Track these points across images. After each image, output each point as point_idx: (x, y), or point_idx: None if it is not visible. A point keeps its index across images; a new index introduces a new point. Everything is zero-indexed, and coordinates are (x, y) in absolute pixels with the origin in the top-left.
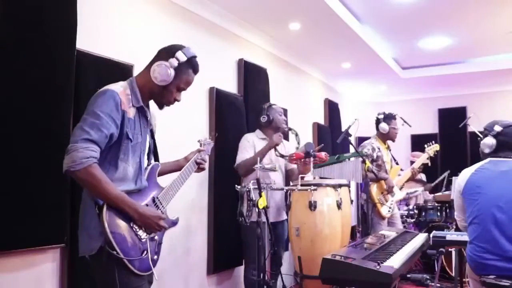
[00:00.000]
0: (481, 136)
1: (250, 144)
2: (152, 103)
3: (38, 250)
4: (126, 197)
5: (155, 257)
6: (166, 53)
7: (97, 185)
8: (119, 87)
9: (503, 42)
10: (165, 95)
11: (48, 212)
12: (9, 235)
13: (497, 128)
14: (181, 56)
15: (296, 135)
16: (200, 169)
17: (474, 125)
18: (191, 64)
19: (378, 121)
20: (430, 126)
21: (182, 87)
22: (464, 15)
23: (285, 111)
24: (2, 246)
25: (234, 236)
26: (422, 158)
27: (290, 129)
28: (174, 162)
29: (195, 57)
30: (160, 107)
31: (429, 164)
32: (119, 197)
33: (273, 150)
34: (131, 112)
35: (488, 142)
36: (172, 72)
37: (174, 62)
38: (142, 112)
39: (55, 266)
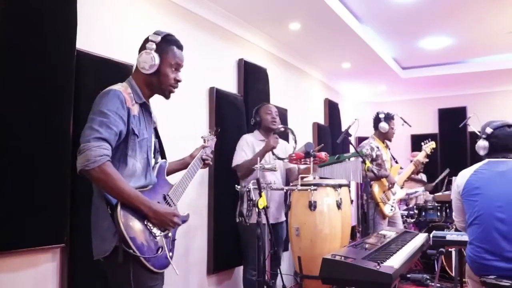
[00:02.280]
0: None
1: (249, 145)
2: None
3: (38, 250)
4: (140, 195)
5: (170, 254)
6: (142, 44)
7: (111, 183)
8: (120, 87)
9: (503, 42)
10: (162, 80)
11: (48, 212)
12: (9, 235)
13: (488, 131)
14: (154, 37)
15: (292, 133)
16: (205, 165)
17: (474, 125)
18: (170, 41)
19: (378, 120)
20: (430, 126)
21: (175, 63)
22: (464, 15)
23: (285, 111)
24: (2, 246)
25: (234, 236)
26: (421, 156)
27: (285, 128)
28: (180, 161)
29: (170, 34)
30: (166, 96)
31: (427, 160)
32: (133, 195)
33: (270, 152)
34: (135, 109)
35: (481, 144)
36: (155, 55)
37: (151, 45)
38: (145, 108)
39: (55, 266)
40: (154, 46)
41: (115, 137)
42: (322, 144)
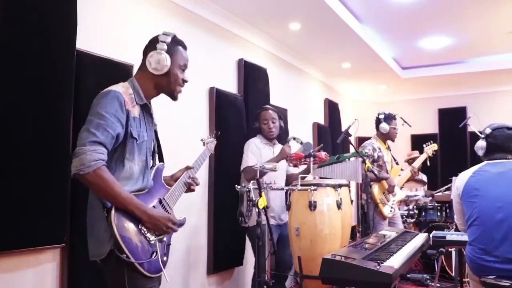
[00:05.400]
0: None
1: (257, 149)
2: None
3: (38, 250)
4: (134, 199)
5: (165, 258)
6: (150, 44)
7: (106, 188)
8: (121, 88)
9: (503, 42)
10: (172, 81)
11: (48, 212)
12: (9, 235)
13: (487, 131)
14: (164, 38)
15: (299, 141)
16: (190, 190)
17: (474, 125)
18: (177, 42)
19: (378, 121)
20: (430, 126)
21: (183, 65)
22: (464, 15)
23: (285, 111)
24: (2, 246)
25: (234, 236)
26: (421, 158)
27: (294, 138)
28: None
29: (176, 36)
30: (175, 97)
31: (428, 164)
32: (128, 199)
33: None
34: (135, 111)
35: (479, 144)
36: (166, 56)
37: (162, 46)
38: (146, 109)
39: (55, 266)
40: (165, 46)
41: (111, 140)
42: (322, 145)
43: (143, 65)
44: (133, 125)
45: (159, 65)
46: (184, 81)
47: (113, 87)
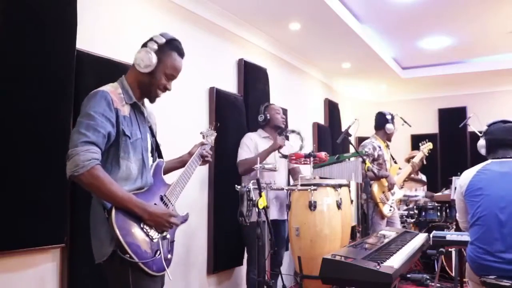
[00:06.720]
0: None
1: (253, 142)
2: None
3: (38, 250)
4: (133, 198)
5: (169, 256)
6: (145, 42)
7: (102, 187)
8: (109, 87)
9: (503, 42)
10: (153, 83)
11: (48, 212)
12: (9, 235)
13: (484, 128)
14: (158, 38)
15: (299, 133)
16: (205, 161)
17: (474, 125)
18: (173, 46)
19: (386, 121)
20: (430, 126)
21: (170, 73)
22: (464, 15)
23: (285, 111)
24: (2, 246)
25: (234, 236)
26: (419, 156)
27: (293, 131)
28: (178, 159)
29: (175, 40)
30: (152, 99)
31: (425, 163)
32: (126, 197)
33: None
34: (126, 110)
35: (480, 143)
36: (153, 56)
37: (153, 45)
38: (137, 108)
39: (55, 266)
40: (155, 46)
41: (103, 139)
42: (314, 145)
43: (133, 63)
44: (124, 124)
45: (143, 63)
46: (166, 88)
47: (101, 88)
